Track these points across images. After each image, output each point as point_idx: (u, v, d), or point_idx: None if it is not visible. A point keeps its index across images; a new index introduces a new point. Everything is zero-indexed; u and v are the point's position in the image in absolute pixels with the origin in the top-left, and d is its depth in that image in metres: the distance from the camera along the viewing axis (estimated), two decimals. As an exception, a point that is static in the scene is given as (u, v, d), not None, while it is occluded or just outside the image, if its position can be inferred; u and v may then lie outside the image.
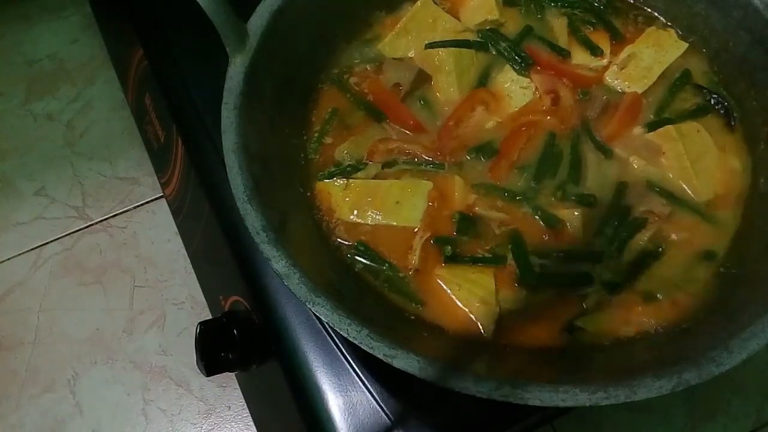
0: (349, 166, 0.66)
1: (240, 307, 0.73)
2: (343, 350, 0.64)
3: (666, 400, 0.67)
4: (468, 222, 0.62)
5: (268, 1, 0.63)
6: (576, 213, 0.62)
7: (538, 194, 0.64)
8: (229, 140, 0.57)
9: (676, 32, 0.73)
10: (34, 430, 0.94)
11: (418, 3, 0.74)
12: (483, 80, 0.71)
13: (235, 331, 0.68)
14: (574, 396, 0.45)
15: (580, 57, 0.73)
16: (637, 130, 0.68)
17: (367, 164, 0.66)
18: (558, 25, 0.75)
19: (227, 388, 0.96)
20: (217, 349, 0.66)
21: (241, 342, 0.68)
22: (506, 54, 0.72)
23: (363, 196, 0.64)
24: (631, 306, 0.59)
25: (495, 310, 0.58)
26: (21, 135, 1.19)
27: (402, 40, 0.73)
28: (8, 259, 1.08)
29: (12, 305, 1.04)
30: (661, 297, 0.59)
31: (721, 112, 0.69)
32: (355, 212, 0.63)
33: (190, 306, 1.02)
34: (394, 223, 0.63)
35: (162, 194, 1.06)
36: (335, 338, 0.64)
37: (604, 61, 0.72)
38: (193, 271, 0.97)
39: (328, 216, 0.64)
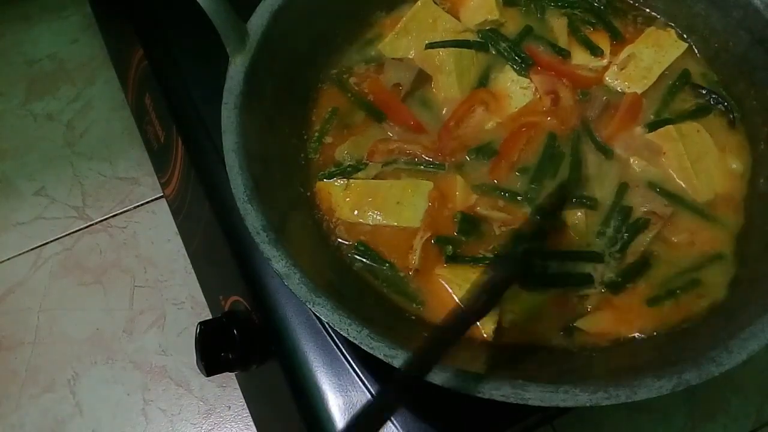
0: (349, 166, 0.66)
1: (240, 307, 0.73)
2: (343, 350, 0.64)
3: (666, 400, 0.67)
4: (470, 222, 0.62)
5: (268, 1, 0.63)
6: (578, 214, 0.62)
7: (539, 195, 0.64)
8: (229, 140, 0.57)
9: (676, 32, 0.73)
10: (34, 430, 0.94)
11: (419, 3, 0.74)
12: (483, 80, 0.71)
13: (235, 331, 0.68)
14: (574, 396, 0.45)
15: (580, 57, 0.73)
16: (638, 130, 0.68)
17: (367, 164, 0.66)
18: (558, 25, 0.75)
19: (227, 388, 0.95)
20: (217, 349, 0.66)
21: (241, 342, 0.68)
22: (506, 54, 0.72)
23: (363, 196, 0.64)
24: (632, 306, 0.59)
25: (495, 311, 0.58)
26: (21, 135, 1.19)
27: (402, 40, 0.73)
28: (8, 259, 1.07)
29: (12, 305, 1.03)
30: (661, 298, 0.59)
31: (722, 111, 0.69)
32: (356, 212, 0.63)
33: (190, 306, 1.02)
34: (395, 223, 0.63)
35: (162, 194, 1.06)
36: (335, 338, 0.64)
37: (604, 62, 0.72)
38: (193, 271, 0.97)
39: (329, 216, 0.64)
